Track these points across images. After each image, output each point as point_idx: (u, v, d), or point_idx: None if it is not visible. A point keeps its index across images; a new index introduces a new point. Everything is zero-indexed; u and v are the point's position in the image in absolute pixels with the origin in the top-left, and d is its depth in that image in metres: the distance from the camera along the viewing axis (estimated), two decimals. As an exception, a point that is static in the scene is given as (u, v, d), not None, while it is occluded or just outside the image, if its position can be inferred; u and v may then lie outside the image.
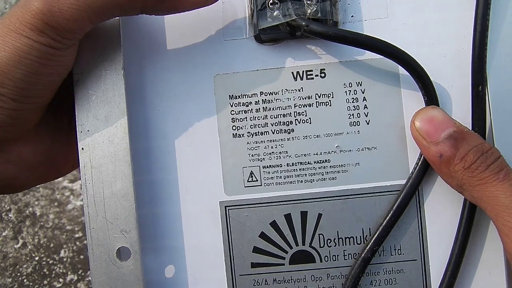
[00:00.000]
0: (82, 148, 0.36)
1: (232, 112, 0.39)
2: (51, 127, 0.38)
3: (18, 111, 0.34)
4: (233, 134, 0.39)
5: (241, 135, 0.39)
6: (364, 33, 0.36)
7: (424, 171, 0.37)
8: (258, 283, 0.39)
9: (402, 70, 0.37)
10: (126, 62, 0.37)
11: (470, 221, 0.37)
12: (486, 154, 0.34)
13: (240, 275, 0.39)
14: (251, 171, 0.39)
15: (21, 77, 0.33)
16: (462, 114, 0.37)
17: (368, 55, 0.38)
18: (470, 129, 0.36)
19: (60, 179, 1.26)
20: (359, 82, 0.38)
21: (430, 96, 0.37)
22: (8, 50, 0.32)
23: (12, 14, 0.32)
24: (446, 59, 0.38)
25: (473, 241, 0.38)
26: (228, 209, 0.39)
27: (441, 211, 0.38)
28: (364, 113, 0.38)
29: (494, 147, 0.35)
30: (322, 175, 0.38)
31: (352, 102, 0.38)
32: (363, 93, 0.38)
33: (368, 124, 0.38)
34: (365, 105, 0.38)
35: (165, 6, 0.34)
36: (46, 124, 0.38)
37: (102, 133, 0.36)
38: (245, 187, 0.39)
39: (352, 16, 0.38)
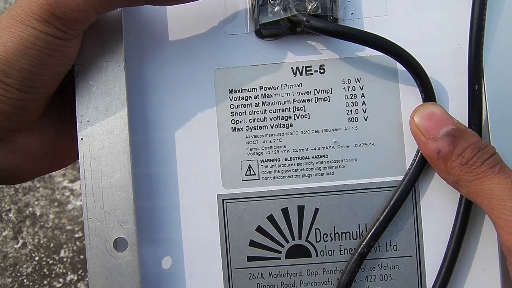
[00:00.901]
0: (82, 139, 0.36)
1: (232, 106, 0.39)
2: (55, 118, 0.39)
3: (23, 101, 0.34)
4: (232, 128, 0.39)
5: (240, 129, 0.39)
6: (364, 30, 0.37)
7: (421, 168, 0.37)
8: (254, 277, 0.39)
9: (400, 67, 0.38)
10: (127, 54, 0.38)
11: (466, 217, 0.37)
12: (482, 151, 0.34)
13: (236, 268, 0.39)
14: (249, 164, 0.39)
15: (27, 67, 0.33)
16: (460, 111, 0.37)
17: (367, 52, 0.38)
18: (467, 126, 0.37)
19: (60, 179, 1.26)
20: (357, 79, 0.39)
21: (428, 93, 0.37)
22: (14, 40, 0.32)
23: (17, 5, 0.33)
24: (444, 57, 0.38)
25: (469, 238, 0.38)
26: (226, 202, 0.39)
27: (437, 208, 0.38)
28: (362, 109, 0.38)
29: (490, 145, 0.35)
30: (320, 170, 0.39)
31: (351, 98, 0.39)
32: (361, 89, 0.39)
33: (366, 120, 0.38)
34: (364, 101, 0.38)
35: None
36: (50, 115, 0.38)
37: (102, 124, 0.36)
38: (243, 180, 0.39)
39: (352, 13, 0.39)
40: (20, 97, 0.34)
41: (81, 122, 0.36)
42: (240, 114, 0.39)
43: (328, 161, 0.39)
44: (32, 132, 0.37)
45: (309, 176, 0.39)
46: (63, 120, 0.40)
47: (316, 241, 0.39)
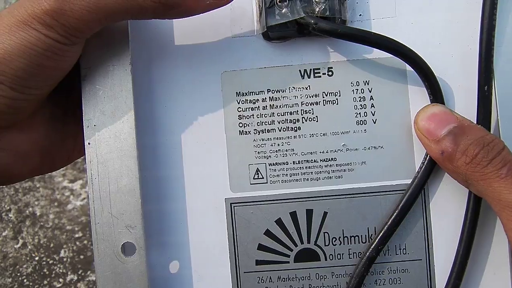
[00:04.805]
0: (89, 143, 0.36)
1: (239, 109, 0.39)
2: (46, 117, 0.38)
3: (15, 101, 0.34)
4: (239, 131, 0.39)
5: (248, 132, 0.39)
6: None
7: (430, 170, 0.37)
8: (262, 281, 0.39)
9: (409, 69, 0.38)
10: (133, 57, 0.37)
11: (475, 222, 0.37)
12: (487, 147, 0.33)
13: (244, 272, 0.39)
14: (257, 168, 0.39)
15: (23, 67, 0.33)
16: (469, 114, 0.37)
17: (376, 54, 0.38)
18: None
19: (60, 179, 1.26)
20: (366, 81, 0.38)
21: (435, 94, 0.37)
22: (14, 39, 0.32)
23: (21, 6, 0.33)
24: (454, 59, 0.38)
25: (478, 242, 0.38)
26: (234, 206, 0.39)
27: (446, 211, 0.38)
28: (371, 112, 0.38)
29: (497, 138, 0.34)
30: (328, 173, 0.38)
31: (359, 101, 0.38)
32: (370, 92, 0.38)
33: (374, 123, 0.38)
34: (372, 104, 0.38)
35: (176, 12, 0.34)
36: (41, 114, 0.38)
37: (108, 129, 0.36)
38: (251, 184, 0.39)
39: (360, 15, 0.38)
40: (12, 96, 0.34)
41: (88, 127, 0.36)
42: (248, 117, 0.39)
43: (336, 165, 0.38)
44: (21, 130, 0.37)
45: (317, 180, 0.38)
46: (54, 119, 0.39)
47: (325, 245, 0.39)
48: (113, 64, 0.36)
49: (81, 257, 1.22)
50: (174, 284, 0.39)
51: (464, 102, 0.38)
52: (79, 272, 1.21)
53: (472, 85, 0.37)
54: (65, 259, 1.22)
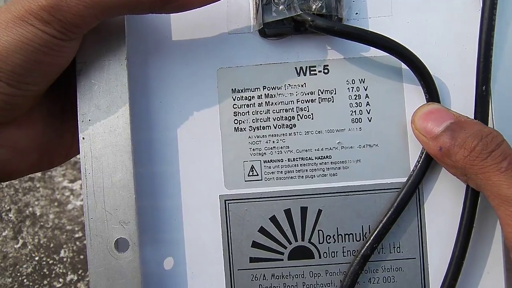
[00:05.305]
0: (83, 138, 0.36)
1: (235, 106, 0.39)
2: (43, 113, 0.38)
3: (13, 97, 0.34)
4: (235, 128, 0.39)
5: (243, 129, 0.39)
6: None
7: (425, 169, 0.37)
8: (256, 278, 0.39)
9: (405, 68, 0.37)
10: (129, 52, 0.37)
11: (471, 222, 0.37)
12: (486, 139, 0.33)
13: (238, 269, 0.39)
14: (252, 165, 0.39)
15: (20, 62, 0.33)
16: (465, 113, 0.36)
17: (372, 52, 0.38)
18: None
19: (60, 179, 1.26)
20: (362, 79, 0.38)
21: (431, 93, 0.37)
22: (11, 35, 0.32)
23: (18, 2, 0.33)
24: (450, 58, 0.38)
25: (473, 241, 0.37)
26: (228, 203, 0.39)
27: (441, 210, 0.38)
28: (366, 110, 0.38)
29: (495, 131, 0.34)
30: (323, 171, 0.38)
31: (355, 98, 0.38)
32: (365, 90, 0.38)
33: (370, 121, 0.38)
34: (368, 102, 0.38)
35: (173, 5, 0.34)
36: (39, 110, 0.38)
37: (103, 123, 0.36)
38: (245, 181, 0.39)
39: (357, 13, 0.38)
40: (9, 92, 0.34)
41: (83, 121, 0.36)
42: (243, 114, 0.39)
43: (331, 162, 0.38)
44: (19, 126, 0.37)
45: (312, 177, 0.38)
46: (51, 116, 0.39)
47: (319, 243, 0.38)
48: (109, 59, 0.36)
49: (81, 257, 1.22)
50: (168, 281, 0.39)
51: (460, 101, 0.38)
52: (79, 272, 1.21)
53: (468, 85, 0.37)
54: (65, 259, 1.22)
